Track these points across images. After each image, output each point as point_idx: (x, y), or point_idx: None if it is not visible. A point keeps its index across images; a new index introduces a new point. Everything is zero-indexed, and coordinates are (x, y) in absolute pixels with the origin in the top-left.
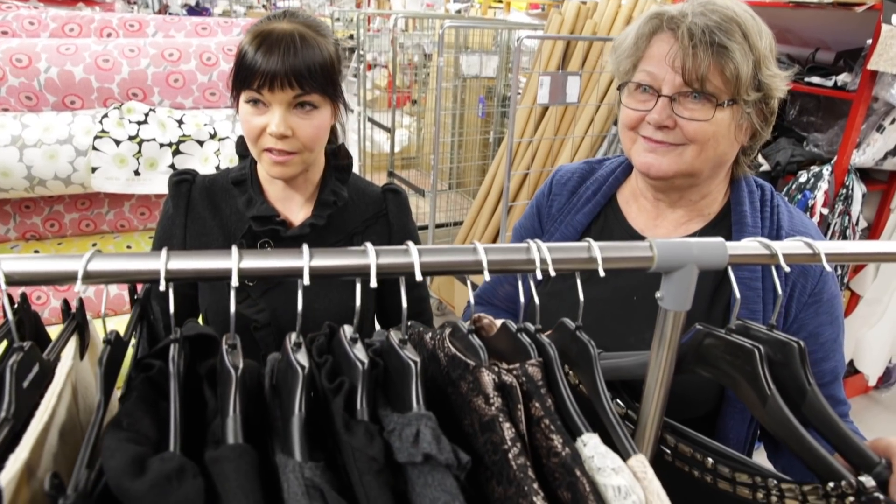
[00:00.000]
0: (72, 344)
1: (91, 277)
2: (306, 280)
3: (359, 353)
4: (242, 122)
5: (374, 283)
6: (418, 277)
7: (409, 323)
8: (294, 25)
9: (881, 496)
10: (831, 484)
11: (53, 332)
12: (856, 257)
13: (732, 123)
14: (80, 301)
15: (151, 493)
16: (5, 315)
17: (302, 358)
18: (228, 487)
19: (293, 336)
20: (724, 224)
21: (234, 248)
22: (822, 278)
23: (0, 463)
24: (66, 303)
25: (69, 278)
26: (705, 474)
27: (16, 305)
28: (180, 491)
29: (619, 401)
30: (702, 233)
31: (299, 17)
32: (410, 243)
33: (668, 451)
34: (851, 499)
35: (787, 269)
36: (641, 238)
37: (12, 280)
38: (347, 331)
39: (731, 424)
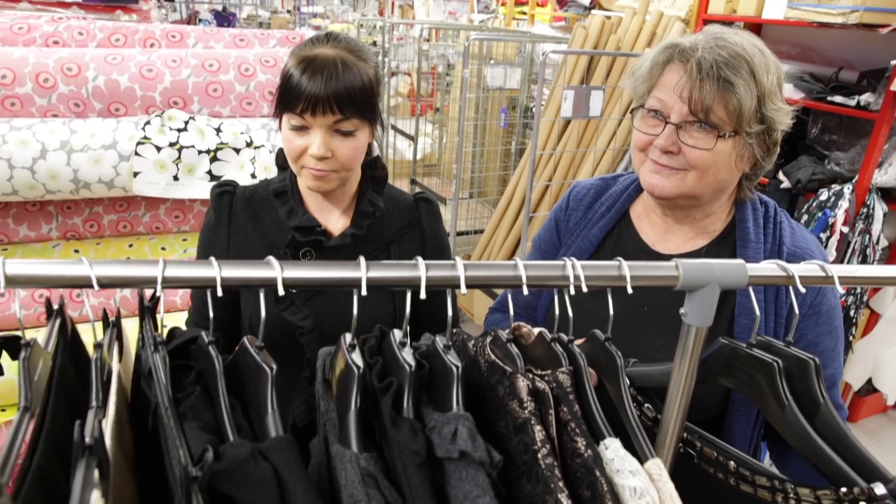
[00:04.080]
0: (115, 348)
1: (169, 282)
2: (364, 291)
3: (407, 356)
4: (284, 141)
5: (423, 295)
6: (463, 290)
7: (454, 330)
8: (337, 51)
9: (891, 503)
10: (844, 489)
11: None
12: (867, 280)
13: (734, 153)
14: (118, 311)
15: (237, 473)
16: (49, 313)
17: (357, 358)
18: (283, 473)
19: (348, 338)
20: (730, 240)
21: (302, 262)
22: (821, 291)
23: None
24: (105, 312)
25: (150, 282)
26: (728, 477)
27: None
28: (258, 471)
29: (649, 405)
30: (709, 248)
31: (342, 40)
32: (458, 259)
33: (694, 454)
34: (864, 503)
35: (803, 290)
36: (652, 251)
37: (102, 283)
38: (397, 335)
39: (737, 427)
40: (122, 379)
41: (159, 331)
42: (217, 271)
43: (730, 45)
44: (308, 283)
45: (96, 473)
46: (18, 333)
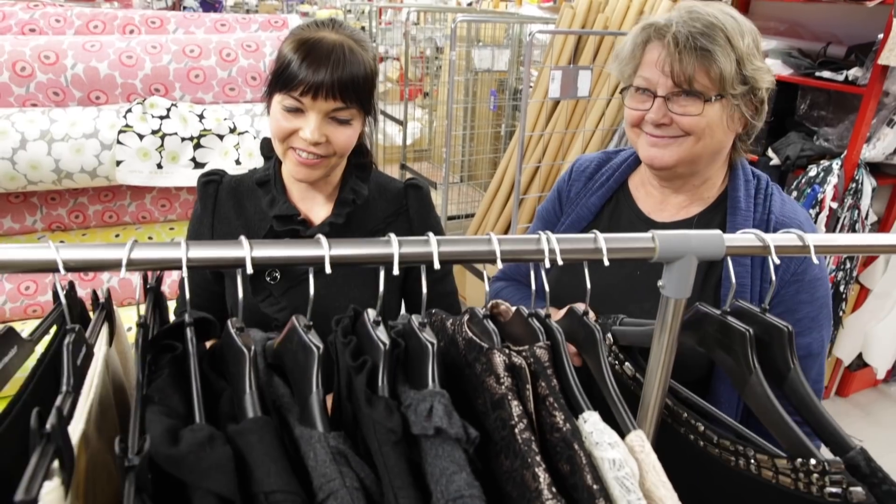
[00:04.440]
0: (104, 331)
1: (134, 264)
2: (328, 269)
3: (381, 334)
4: (273, 120)
5: (396, 271)
6: (436, 266)
7: (432, 310)
8: (341, 37)
9: (842, 477)
10: (799, 460)
11: None
12: (844, 249)
13: (724, 115)
14: (108, 292)
15: (188, 458)
16: (56, 299)
17: (315, 338)
18: (256, 456)
19: (302, 319)
20: (721, 208)
21: (243, 238)
22: (807, 260)
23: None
24: (94, 293)
25: (115, 265)
26: (698, 438)
27: (65, 291)
28: (213, 455)
29: (629, 364)
30: (701, 216)
31: (346, 27)
32: (430, 234)
33: (666, 412)
34: (816, 476)
35: (777, 261)
36: (648, 219)
37: (69, 266)
38: (371, 314)
39: (722, 389)
40: (110, 362)
41: (148, 311)
42: (184, 252)
43: (703, 17)
44: (270, 263)
45: (57, 463)
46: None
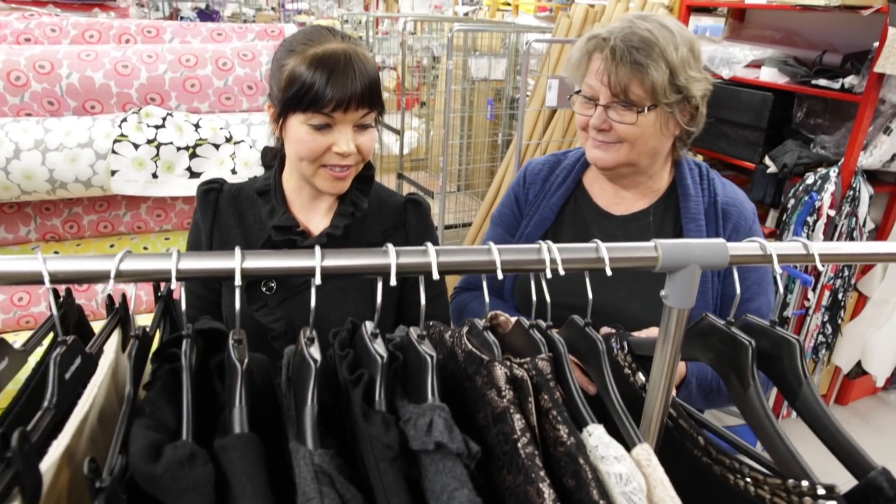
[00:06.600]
0: (115, 337)
1: (123, 276)
2: (318, 279)
3: (378, 347)
4: (299, 142)
5: (393, 281)
6: (435, 276)
7: (430, 323)
8: (346, 44)
9: (836, 502)
10: (791, 481)
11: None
12: (847, 258)
13: (658, 122)
14: (123, 297)
15: (164, 477)
16: (51, 309)
17: (315, 352)
18: (234, 473)
19: (307, 331)
20: (672, 197)
21: (237, 249)
22: (755, 221)
23: (42, 449)
24: (110, 297)
25: (103, 277)
26: (697, 451)
27: (61, 299)
28: (191, 476)
29: (641, 374)
30: (655, 205)
31: (341, 33)
32: (429, 244)
33: (671, 423)
34: (808, 499)
35: (780, 270)
36: (607, 213)
37: (56, 278)
38: (369, 326)
39: None
40: (120, 370)
41: (155, 321)
42: (174, 263)
43: (639, 31)
44: (262, 274)
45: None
46: None
